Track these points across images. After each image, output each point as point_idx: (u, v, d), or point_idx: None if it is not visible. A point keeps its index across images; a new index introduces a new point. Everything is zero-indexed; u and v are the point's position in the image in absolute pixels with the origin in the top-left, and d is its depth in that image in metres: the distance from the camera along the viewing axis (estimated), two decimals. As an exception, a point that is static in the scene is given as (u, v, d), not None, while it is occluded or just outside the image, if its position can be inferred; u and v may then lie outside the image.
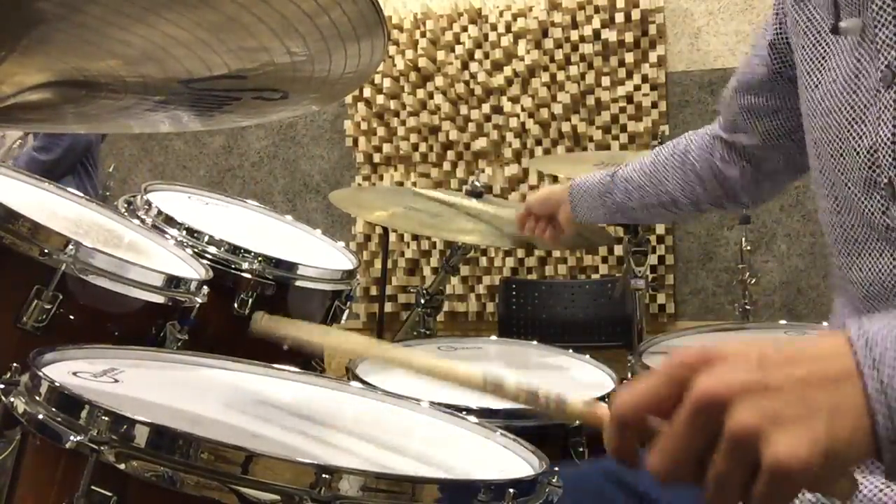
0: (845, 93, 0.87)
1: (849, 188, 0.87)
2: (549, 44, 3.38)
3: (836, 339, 0.60)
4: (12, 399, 0.84)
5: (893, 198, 0.82)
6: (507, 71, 3.42)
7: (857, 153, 0.85)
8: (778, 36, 1.09)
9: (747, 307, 2.54)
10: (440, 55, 3.48)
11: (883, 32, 0.83)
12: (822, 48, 0.93)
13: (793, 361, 0.59)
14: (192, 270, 1.43)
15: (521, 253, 3.42)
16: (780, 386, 0.58)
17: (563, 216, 1.61)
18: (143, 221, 1.54)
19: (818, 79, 0.93)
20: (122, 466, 0.74)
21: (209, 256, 1.51)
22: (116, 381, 0.96)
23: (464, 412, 1.18)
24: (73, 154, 3.29)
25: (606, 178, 1.51)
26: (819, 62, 0.93)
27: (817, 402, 0.57)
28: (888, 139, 0.82)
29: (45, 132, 3.22)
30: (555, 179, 3.38)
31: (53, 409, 0.80)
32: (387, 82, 3.50)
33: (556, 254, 3.38)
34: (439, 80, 3.49)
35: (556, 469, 0.90)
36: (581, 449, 1.43)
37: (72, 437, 0.76)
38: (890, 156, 0.82)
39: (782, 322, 2.01)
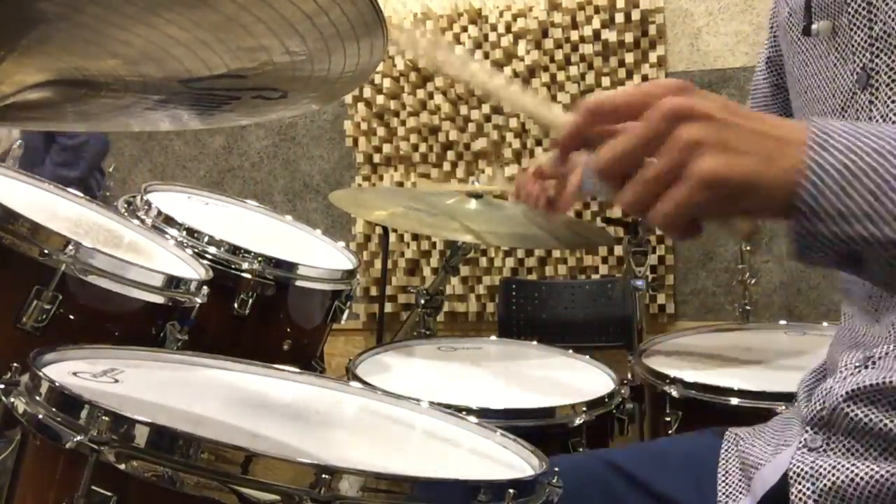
0: (827, 97, 0.89)
1: None
2: (549, 44, 3.38)
3: (800, 123, 0.68)
4: (12, 399, 0.84)
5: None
6: (507, 71, 3.42)
7: None
8: (773, 49, 1.11)
9: (747, 307, 2.54)
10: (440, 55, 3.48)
11: (858, 35, 0.84)
12: (805, 54, 0.94)
13: (754, 118, 0.67)
14: (192, 270, 1.43)
15: (521, 253, 3.41)
16: (736, 125, 0.66)
17: (573, 183, 1.48)
18: (143, 222, 1.54)
19: (805, 84, 0.94)
20: (122, 466, 0.74)
21: (209, 256, 1.51)
22: (116, 381, 0.96)
23: (464, 412, 1.18)
24: (95, 164, 3.36)
25: None
26: (803, 68, 0.94)
27: (759, 147, 0.65)
28: None
29: (64, 147, 3.26)
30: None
31: (53, 410, 0.80)
32: (387, 82, 3.50)
33: (556, 254, 3.37)
34: (439, 80, 3.48)
35: (556, 469, 0.90)
36: (581, 449, 1.43)
37: (72, 437, 0.76)
38: None
39: (782, 322, 2.01)
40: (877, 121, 0.83)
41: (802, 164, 0.65)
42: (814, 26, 0.90)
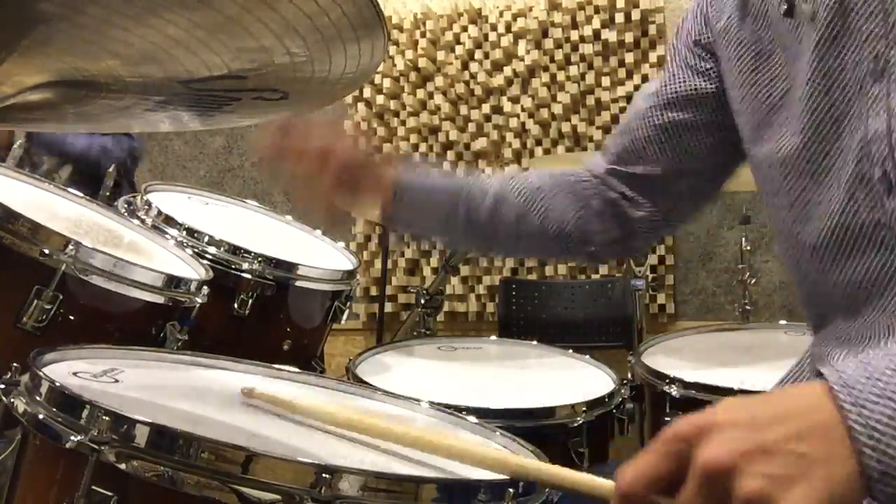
0: (825, 91, 0.86)
1: (830, 191, 0.86)
2: (549, 44, 3.38)
3: (817, 389, 0.62)
4: (13, 399, 0.84)
5: (889, 190, 0.81)
6: (507, 71, 3.41)
7: (845, 150, 0.84)
8: (675, 81, 1.09)
9: (747, 307, 2.53)
10: (440, 55, 3.47)
11: (867, 25, 0.81)
12: (788, 49, 0.91)
13: (781, 418, 0.61)
14: (192, 270, 1.43)
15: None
16: (777, 446, 0.59)
17: (368, 200, 1.22)
18: (143, 222, 1.54)
19: (791, 83, 0.91)
20: (122, 466, 0.74)
21: (209, 256, 1.51)
22: (116, 381, 0.96)
23: (463, 412, 1.18)
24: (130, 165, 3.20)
25: (464, 190, 1.20)
26: (790, 66, 0.91)
27: (813, 456, 0.59)
28: (883, 132, 0.81)
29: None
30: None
31: (54, 409, 0.80)
32: (387, 82, 3.50)
33: (556, 254, 3.38)
34: (439, 81, 3.48)
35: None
36: (581, 449, 1.44)
37: (72, 437, 0.76)
38: (885, 148, 0.81)
39: (782, 322, 2.02)
40: (893, 112, 0.80)
41: (852, 440, 0.60)
42: (798, 7, 0.87)
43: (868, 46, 0.82)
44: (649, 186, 1.15)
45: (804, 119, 0.88)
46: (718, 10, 1.03)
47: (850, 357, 0.86)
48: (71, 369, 0.95)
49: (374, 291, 3.55)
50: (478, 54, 3.46)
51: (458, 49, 3.48)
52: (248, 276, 1.51)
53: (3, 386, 0.86)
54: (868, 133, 0.81)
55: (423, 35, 3.52)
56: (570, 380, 1.67)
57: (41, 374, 0.83)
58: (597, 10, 3.32)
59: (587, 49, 3.34)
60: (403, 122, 3.54)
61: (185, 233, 1.54)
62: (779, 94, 0.93)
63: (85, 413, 0.78)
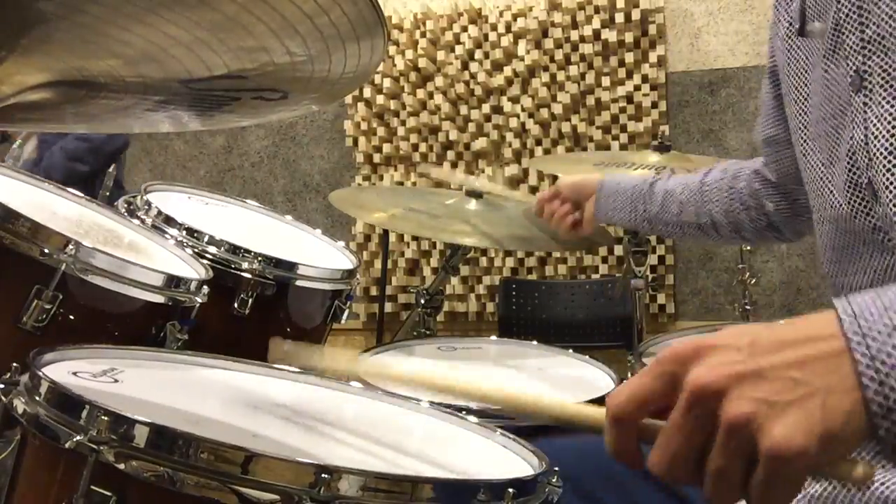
0: (823, 102, 0.90)
1: (833, 196, 0.89)
2: (549, 44, 3.38)
3: (825, 318, 0.61)
4: (12, 399, 0.84)
5: (875, 196, 0.83)
6: (507, 71, 3.42)
7: (839, 159, 0.87)
8: (772, 61, 1.11)
9: (747, 307, 2.54)
10: (440, 55, 3.48)
11: (850, 39, 0.85)
12: (800, 61, 0.95)
13: (783, 345, 0.60)
14: (192, 270, 1.43)
15: (521, 253, 3.42)
16: (773, 371, 0.58)
17: (589, 210, 1.59)
18: (143, 221, 1.54)
19: (801, 92, 0.95)
20: (121, 466, 0.74)
21: (209, 256, 1.51)
22: (116, 381, 0.96)
23: (464, 412, 1.17)
24: (108, 162, 3.22)
25: (644, 186, 1.48)
26: (800, 75, 0.95)
27: (810, 385, 0.58)
28: (862, 141, 0.84)
29: (79, 137, 3.14)
30: (555, 179, 3.37)
31: (53, 409, 0.80)
32: (387, 82, 3.50)
33: (556, 254, 3.37)
34: (439, 80, 3.48)
35: (556, 469, 0.90)
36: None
37: (71, 437, 0.76)
38: (865, 157, 0.83)
39: (782, 322, 2.01)
40: (873, 123, 0.83)
41: (856, 373, 0.58)
42: (808, 27, 0.91)
43: (852, 59, 0.85)
44: (774, 180, 1.27)
45: (817, 127, 0.92)
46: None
47: None
48: (71, 369, 0.95)
49: (374, 291, 3.55)
50: (478, 54, 3.46)
51: (458, 49, 3.48)
52: (248, 275, 1.51)
53: (2, 386, 0.86)
54: (853, 143, 0.84)
55: (423, 35, 3.52)
56: (570, 380, 1.67)
57: (41, 374, 0.83)
58: (597, 10, 3.33)
59: (587, 49, 3.35)
60: (403, 122, 3.54)
61: (185, 232, 1.54)
62: (801, 103, 0.97)
63: (84, 413, 0.78)
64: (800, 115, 0.95)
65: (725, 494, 0.60)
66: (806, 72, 0.94)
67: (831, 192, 0.89)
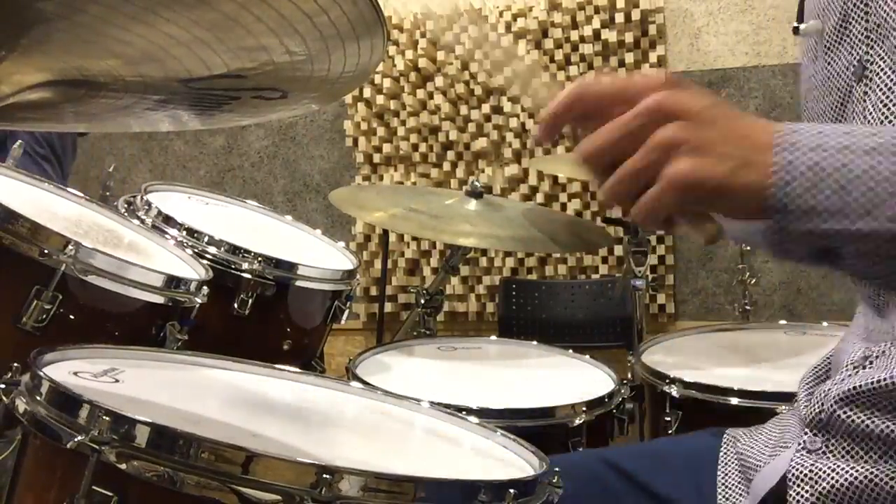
0: (826, 94, 0.90)
1: None
2: (549, 44, 3.38)
3: (771, 123, 0.71)
4: (13, 399, 0.84)
5: None
6: (507, 71, 3.41)
7: None
8: None
9: (747, 307, 2.53)
10: (440, 55, 3.48)
11: (855, 29, 0.85)
12: (808, 54, 0.95)
13: (733, 119, 0.71)
14: (192, 270, 1.43)
15: (521, 253, 3.41)
16: (714, 126, 0.69)
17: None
18: (143, 221, 1.54)
19: (809, 84, 0.95)
20: (122, 466, 0.74)
21: (209, 256, 1.51)
22: (117, 381, 0.96)
23: (464, 412, 1.18)
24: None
25: None
26: (807, 68, 0.96)
27: (733, 150, 0.69)
28: None
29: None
30: (555, 179, 3.37)
31: (54, 409, 0.80)
32: (387, 82, 3.50)
33: (556, 254, 3.37)
34: (439, 80, 3.48)
35: (557, 469, 0.90)
36: (581, 449, 1.43)
37: (72, 437, 0.76)
38: None
39: (782, 322, 2.01)
40: (870, 112, 0.83)
41: (772, 165, 0.68)
42: (802, 26, 0.92)
43: (856, 49, 0.85)
44: None
45: (819, 121, 0.92)
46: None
47: (860, 356, 0.86)
48: (71, 369, 0.94)
49: (374, 291, 3.55)
50: (478, 54, 3.46)
51: (458, 49, 3.48)
52: (248, 276, 1.51)
53: (3, 386, 0.85)
54: None
55: (423, 35, 3.52)
56: (570, 380, 1.67)
57: (41, 373, 0.83)
58: (597, 10, 3.33)
59: (587, 49, 3.34)
60: (403, 122, 3.54)
61: (185, 233, 1.54)
62: (804, 99, 0.98)
63: (85, 413, 0.78)
64: (804, 111, 0.96)
65: (621, 190, 0.71)
66: (807, 68, 0.95)
67: None
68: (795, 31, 0.94)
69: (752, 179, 0.69)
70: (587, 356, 1.77)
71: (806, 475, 0.83)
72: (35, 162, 2.95)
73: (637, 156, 0.70)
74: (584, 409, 1.46)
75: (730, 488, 0.95)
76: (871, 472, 0.80)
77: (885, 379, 0.80)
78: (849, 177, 0.68)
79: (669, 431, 1.47)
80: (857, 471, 0.80)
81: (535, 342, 1.89)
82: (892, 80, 0.81)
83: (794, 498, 0.83)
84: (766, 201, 0.69)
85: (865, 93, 0.84)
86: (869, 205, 0.68)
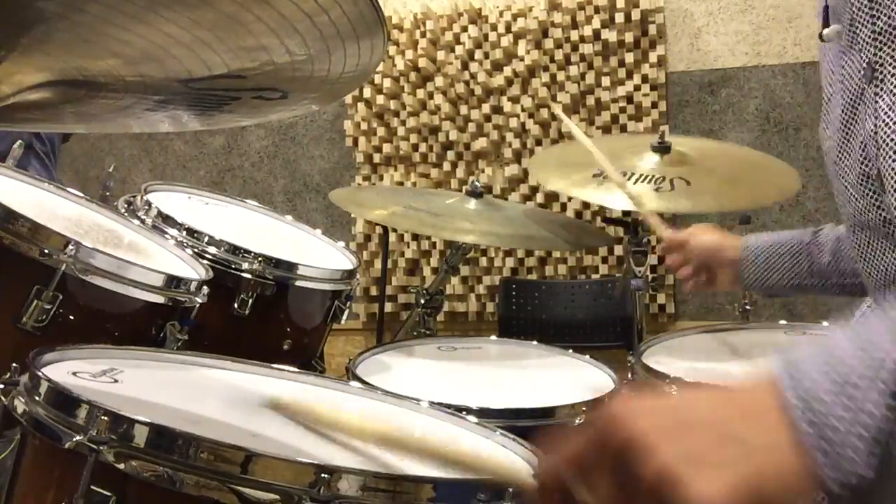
0: (840, 97, 0.90)
1: (848, 191, 0.89)
2: (549, 44, 3.38)
3: (760, 377, 0.56)
4: (12, 399, 0.84)
5: (882, 186, 0.84)
6: (507, 71, 3.41)
7: (853, 151, 0.87)
8: None
9: (747, 307, 2.53)
10: (440, 55, 3.47)
11: (863, 32, 0.85)
12: (825, 61, 0.96)
13: (715, 401, 0.56)
14: (192, 270, 1.43)
15: (521, 253, 3.41)
16: (700, 426, 0.54)
17: (726, 278, 1.47)
18: (143, 221, 1.54)
19: (827, 90, 0.95)
20: (121, 466, 0.74)
21: (209, 256, 1.51)
22: (116, 381, 0.96)
23: (464, 412, 1.18)
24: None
25: (805, 237, 1.36)
26: (826, 76, 0.96)
27: (741, 441, 0.53)
28: (872, 131, 0.84)
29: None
30: (555, 179, 3.37)
31: (53, 410, 0.80)
32: (387, 82, 3.50)
33: (556, 254, 3.37)
34: (439, 80, 3.48)
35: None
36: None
37: (71, 437, 0.76)
38: (874, 147, 0.84)
39: (782, 322, 2.01)
40: (883, 111, 0.84)
41: (796, 434, 0.53)
42: (825, 31, 0.92)
43: (865, 51, 0.86)
44: None
45: (835, 123, 0.92)
46: None
47: None
48: (70, 369, 0.95)
49: (374, 291, 3.55)
50: (478, 54, 3.46)
51: (458, 49, 3.48)
52: (248, 276, 1.51)
53: (2, 386, 0.86)
54: (865, 134, 0.84)
55: (423, 35, 3.52)
56: (570, 380, 1.67)
57: (40, 374, 0.83)
58: (597, 10, 3.32)
59: (587, 49, 3.34)
60: (403, 122, 3.54)
61: (185, 233, 1.54)
62: (826, 104, 0.97)
63: (84, 413, 0.78)
64: (824, 115, 0.96)
65: None
66: (830, 73, 0.95)
67: (846, 187, 0.90)
68: (821, 37, 0.94)
69: (783, 460, 0.53)
70: (587, 356, 1.77)
71: None
72: (38, 158, 2.96)
73: None
74: (584, 409, 1.46)
75: None
76: None
77: None
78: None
79: (669, 431, 1.46)
80: None
81: (535, 342, 1.89)
82: None
83: None
84: (820, 479, 0.53)
85: (877, 94, 0.85)
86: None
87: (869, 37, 0.85)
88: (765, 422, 0.54)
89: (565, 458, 0.58)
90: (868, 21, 0.85)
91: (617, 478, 0.55)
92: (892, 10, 0.83)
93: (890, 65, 0.84)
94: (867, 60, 0.85)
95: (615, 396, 0.56)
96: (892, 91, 0.83)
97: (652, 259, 3.16)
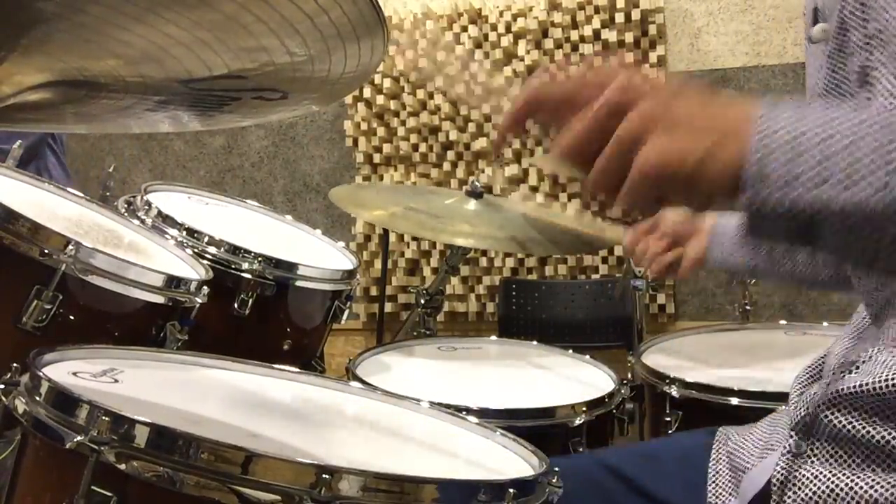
0: (834, 100, 0.89)
1: None
2: (549, 44, 3.38)
3: (748, 102, 0.69)
4: (13, 399, 0.84)
5: None
6: (507, 71, 3.41)
7: None
8: None
9: (747, 307, 2.53)
10: (440, 55, 3.48)
11: (854, 35, 0.85)
12: (813, 65, 0.95)
13: (704, 94, 0.69)
14: (192, 270, 1.43)
15: (521, 253, 3.41)
16: (682, 107, 0.67)
17: (694, 251, 1.45)
18: (143, 221, 1.54)
19: (816, 93, 0.95)
20: (122, 466, 0.74)
21: (209, 256, 1.51)
22: (116, 381, 0.96)
23: (464, 412, 1.18)
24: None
25: None
26: (812, 78, 0.95)
27: (709, 126, 0.67)
28: None
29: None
30: (556, 179, 3.37)
31: (54, 410, 0.80)
32: (387, 82, 3.50)
33: (556, 255, 3.38)
34: (439, 80, 3.48)
35: (556, 469, 0.90)
36: (581, 449, 1.43)
37: (72, 438, 0.76)
38: None
39: (782, 322, 2.01)
40: None
41: (751, 137, 0.66)
42: (813, 31, 0.91)
43: (857, 56, 0.85)
44: None
45: None
46: None
47: (849, 359, 0.86)
48: (71, 369, 0.95)
49: (374, 291, 3.55)
50: (478, 54, 3.46)
51: (458, 49, 3.48)
52: (248, 276, 1.51)
53: (2, 386, 0.86)
54: None
55: (423, 35, 3.52)
56: (570, 380, 1.67)
57: (41, 374, 0.83)
58: (597, 10, 3.32)
59: (587, 49, 3.35)
60: (403, 122, 3.54)
61: (185, 233, 1.54)
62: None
63: (84, 413, 0.78)
64: None
65: (602, 184, 0.70)
66: (811, 76, 0.95)
67: None
68: (809, 39, 0.94)
69: (730, 154, 0.66)
70: (587, 356, 1.77)
71: (789, 480, 0.83)
72: (55, 154, 2.97)
73: (610, 146, 0.69)
74: (584, 409, 1.46)
75: (719, 487, 0.96)
76: (852, 481, 0.79)
77: (868, 383, 0.79)
78: (832, 149, 0.65)
79: (669, 431, 1.47)
80: (838, 478, 0.80)
81: (535, 342, 1.89)
82: (894, 85, 0.81)
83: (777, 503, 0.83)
84: (744, 172, 0.66)
85: (868, 99, 0.84)
86: (854, 177, 0.65)
87: (861, 40, 0.84)
88: (729, 123, 0.67)
89: (558, 88, 0.76)
90: (860, 25, 0.85)
91: (601, 113, 0.70)
92: (885, 13, 0.82)
93: (880, 70, 0.83)
94: (859, 64, 0.85)
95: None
96: (882, 96, 0.83)
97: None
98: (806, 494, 0.82)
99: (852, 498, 0.79)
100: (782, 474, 0.84)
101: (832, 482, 0.80)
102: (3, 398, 0.84)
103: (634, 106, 0.68)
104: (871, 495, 0.78)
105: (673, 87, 0.71)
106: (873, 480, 0.78)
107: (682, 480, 0.99)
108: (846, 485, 0.80)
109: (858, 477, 0.79)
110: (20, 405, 0.83)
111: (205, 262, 1.47)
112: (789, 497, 0.82)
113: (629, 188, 0.69)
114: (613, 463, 1.03)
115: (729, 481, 0.95)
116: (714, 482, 0.97)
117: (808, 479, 0.82)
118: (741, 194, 0.66)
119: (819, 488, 0.81)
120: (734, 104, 0.70)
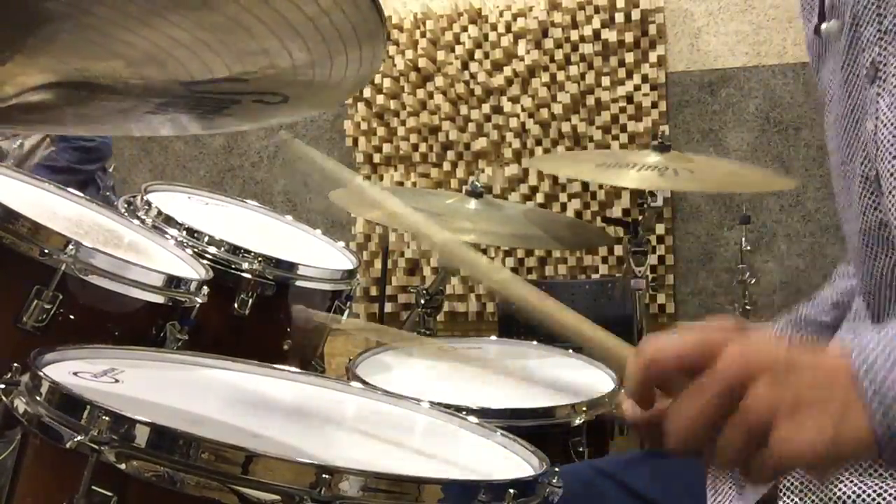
0: (843, 97, 0.89)
1: (850, 192, 0.88)
2: (549, 44, 3.38)
3: (839, 350, 0.67)
4: (13, 399, 0.84)
5: (880, 187, 0.83)
6: (507, 71, 3.42)
7: (857, 154, 0.87)
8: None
9: (747, 307, 2.54)
10: (440, 55, 3.48)
11: (868, 31, 0.84)
12: (824, 59, 0.95)
13: (806, 363, 0.66)
14: (192, 270, 1.43)
15: (521, 253, 3.42)
16: (796, 384, 0.64)
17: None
18: (143, 221, 1.54)
19: (826, 89, 0.94)
20: (122, 466, 0.74)
21: (209, 256, 1.51)
22: (116, 381, 0.96)
23: (464, 412, 1.18)
24: (99, 167, 3.22)
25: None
26: (824, 73, 0.95)
27: (824, 406, 0.64)
28: (872, 132, 0.83)
29: (76, 147, 3.15)
30: (555, 179, 3.38)
31: (54, 410, 0.80)
32: (387, 82, 3.50)
33: (556, 254, 3.38)
34: (439, 80, 3.49)
35: (556, 469, 0.90)
36: (581, 449, 1.43)
37: (72, 437, 0.76)
38: (874, 147, 0.83)
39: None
40: (884, 113, 0.83)
41: (865, 395, 0.64)
42: (823, 26, 0.91)
43: (868, 51, 0.84)
44: None
45: (837, 126, 0.91)
46: None
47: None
48: (71, 369, 0.95)
49: (374, 291, 3.55)
50: (478, 54, 3.46)
51: (458, 49, 3.49)
52: (248, 276, 1.51)
53: (3, 386, 0.86)
54: (866, 135, 0.84)
55: (423, 35, 3.52)
56: (570, 380, 1.67)
57: (41, 374, 0.83)
58: (597, 10, 3.33)
59: (587, 49, 3.35)
60: (403, 122, 3.54)
61: (185, 233, 1.54)
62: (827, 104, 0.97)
63: (85, 413, 0.78)
64: (826, 115, 0.95)
65: (726, 464, 0.67)
66: (827, 69, 0.94)
67: (847, 188, 0.89)
68: (817, 30, 0.93)
69: (856, 426, 0.64)
70: (587, 356, 1.77)
71: (796, 486, 0.83)
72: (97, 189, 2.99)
73: (737, 432, 0.65)
74: (584, 409, 1.46)
75: (720, 493, 0.95)
76: (859, 487, 0.79)
77: None
78: None
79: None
80: (845, 485, 0.80)
81: (535, 342, 1.89)
82: None
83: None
84: (876, 437, 0.64)
85: (878, 94, 0.83)
86: None
87: (874, 35, 0.84)
88: (845, 391, 0.65)
89: (675, 349, 0.68)
90: (874, 20, 0.84)
91: (719, 391, 0.65)
92: None
93: (892, 65, 0.83)
94: (870, 60, 0.84)
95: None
96: (892, 92, 0.83)
97: (652, 259, 3.17)
98: (812, 501, 0.81)
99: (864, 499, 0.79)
100: (790, 480, 0.83)
101: (839, 488, 0.80)
102: (4, 398, 0.84)
103: (752, 384, 0.64)
104: (878, 503, 0.78)
105: (783, 353, 0.67)
106: (880, 487, 0.78)
107: (681, 487, 0.99)
108: (853, 491, 0.79)
109: (865, 483, 0.79)
110: (20, 405, 0.83)
111: (205, 261, 1.47)
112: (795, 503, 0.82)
113: (762, 475, 0.66)
114: (612, 470, 1.02)
115: (730, 488, 0.95)
116: (713, 488, 0.96)
117: (815, 484, 0.82)
118: (880, 453, 0.65)
119: (826, 495, 0.81)
120: (832, 361, 0.67)
